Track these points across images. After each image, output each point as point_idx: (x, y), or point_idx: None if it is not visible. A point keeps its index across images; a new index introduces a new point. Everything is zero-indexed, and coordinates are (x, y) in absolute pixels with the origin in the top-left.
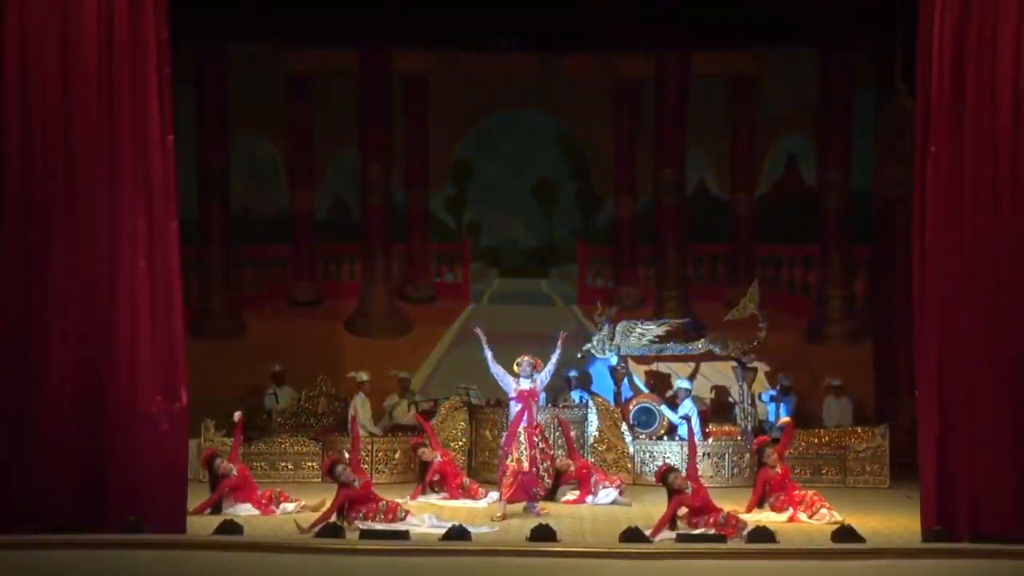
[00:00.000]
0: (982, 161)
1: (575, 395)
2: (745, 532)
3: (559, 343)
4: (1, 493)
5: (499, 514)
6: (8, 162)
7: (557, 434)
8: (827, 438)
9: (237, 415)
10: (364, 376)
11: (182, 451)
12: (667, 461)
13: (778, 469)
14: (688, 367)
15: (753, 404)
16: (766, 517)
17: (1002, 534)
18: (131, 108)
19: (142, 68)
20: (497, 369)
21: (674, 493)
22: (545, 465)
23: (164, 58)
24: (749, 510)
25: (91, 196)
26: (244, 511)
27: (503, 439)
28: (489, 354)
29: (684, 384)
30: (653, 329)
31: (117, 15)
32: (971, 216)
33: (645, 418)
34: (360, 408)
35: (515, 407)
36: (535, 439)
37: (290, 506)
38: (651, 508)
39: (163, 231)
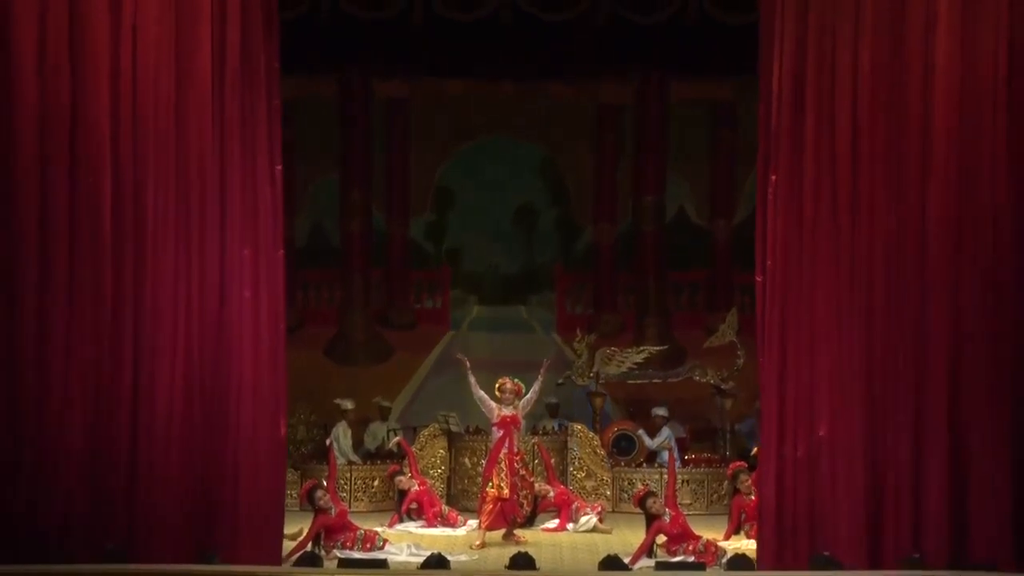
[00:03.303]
0: (822, 187)
1: (554, 422)
2: (724, 560)
3: (542, 370)
4: (107, 525)
5: (478, 542)
6: (120, 192)
7: (536, 461)
8: None
9: None
10: (349, 404)
11: (280, 481)
12: (646, 485)
13: (752, 496)
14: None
15: (732, 431)
16: (745, 544)
17: (839, 554)
18: (240, 138)
19: (252, 99)
20: (480, 394)
21: (653, 518)
22: (525, 492)
23: (274, 90)
24: (727, 537)
25: (200, 225)
26: None
27: (484, 466)
28: (472, 379)
29: (661, 411)
30: (632, 356)
31: (230, 47)
32: (811, 242)
33: (624, 445)
34: (342, 436)
35: (497, 433)
36: (516, 466)
37: None
38: (630, 536)
39: (270, 260)
